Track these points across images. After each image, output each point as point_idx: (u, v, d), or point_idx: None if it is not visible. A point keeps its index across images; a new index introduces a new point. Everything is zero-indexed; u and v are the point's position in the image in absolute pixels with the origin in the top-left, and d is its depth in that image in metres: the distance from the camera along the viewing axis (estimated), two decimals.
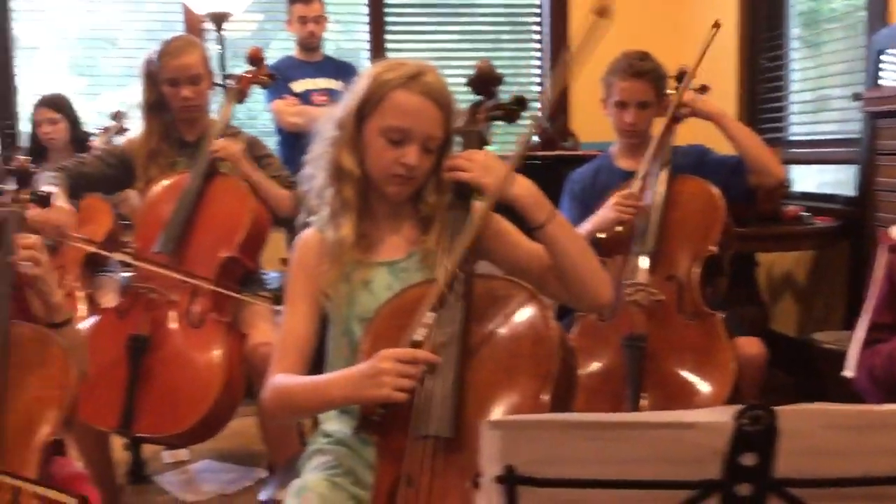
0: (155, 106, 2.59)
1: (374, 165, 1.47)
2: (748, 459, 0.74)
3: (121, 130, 3.45)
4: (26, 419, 1.51)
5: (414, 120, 1.43)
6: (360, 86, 1.48)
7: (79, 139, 3.53)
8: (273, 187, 2.55)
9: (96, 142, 3.42)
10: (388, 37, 4.52)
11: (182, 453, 3.11)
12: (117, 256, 2.31)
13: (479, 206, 1.47)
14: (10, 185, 1.68)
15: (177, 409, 2.20)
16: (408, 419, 1.26)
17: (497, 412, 1.25)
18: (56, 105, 3.53)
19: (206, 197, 2.44)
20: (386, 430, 1.29)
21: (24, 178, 1.69)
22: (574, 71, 1.41)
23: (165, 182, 2.50)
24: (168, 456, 3.09)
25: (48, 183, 2.26)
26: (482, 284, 1.38)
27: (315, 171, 1.53)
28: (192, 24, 4.27)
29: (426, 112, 1.44)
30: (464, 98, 1.52)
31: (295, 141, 3.50)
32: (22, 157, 1.75)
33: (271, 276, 2.97)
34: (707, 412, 0.73)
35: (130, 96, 3.61)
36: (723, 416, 0.72)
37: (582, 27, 1.36)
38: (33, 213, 1.84)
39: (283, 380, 1.43)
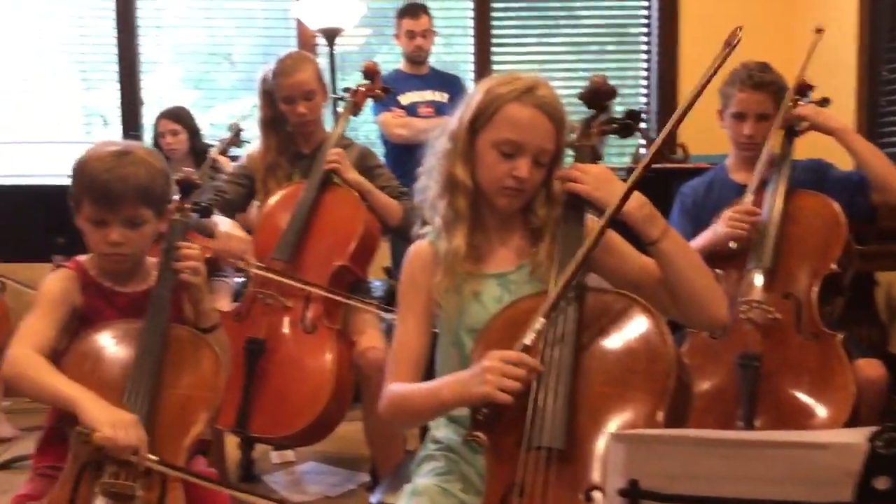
0: (272, 122, 2.71)
1: (485, 177, 1.49)
2: (882, 483, 0.72)
3: (237, 143, 3.58)
4: (179, 418, 1.57)
5: (526, 133, 1.44)
6: (473, 99, 1.50)
7: (198, 150, 3.69)
8: (384, 197, 2.60)
9: (213, 152, 3.57)
10: (493, 49, 4.55)
11: (289, 454, 3.20)
12: (239, 264, 2.41)
13: (590, 220, 1.47)
14: (176, 196, 1.73)
15: (289, 412, 2.28)
16: (519, 428, 1.26)
17: (611, 427, 1.24)
18: (177, 117, 3.71)
19: (321, 207, 2.52)
20: (498, 438, 1.30)
21: (188, 189, 1.75)
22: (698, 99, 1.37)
23: (282, 192, 2.60)
24: (276, 456, 3.19)
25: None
26: (595, 298, 1.37)
27: (428, 182, 1.56)
28: (305, 39, 4.40)
29: (539, 126, 1.45)
30: (571, 110, 1.52)
31: (400, 152, 3.57)
32: (187, 169, 1.81)
33: (375, 284, 3.03)
34: (841, 433, 0.72)
35: (242, 108, 3.74)
36: (857, 437, 0.71)
37: (711, 58, 1.33)
38: (215, 243, 1.91)
39: (398, 387, 1.46)
